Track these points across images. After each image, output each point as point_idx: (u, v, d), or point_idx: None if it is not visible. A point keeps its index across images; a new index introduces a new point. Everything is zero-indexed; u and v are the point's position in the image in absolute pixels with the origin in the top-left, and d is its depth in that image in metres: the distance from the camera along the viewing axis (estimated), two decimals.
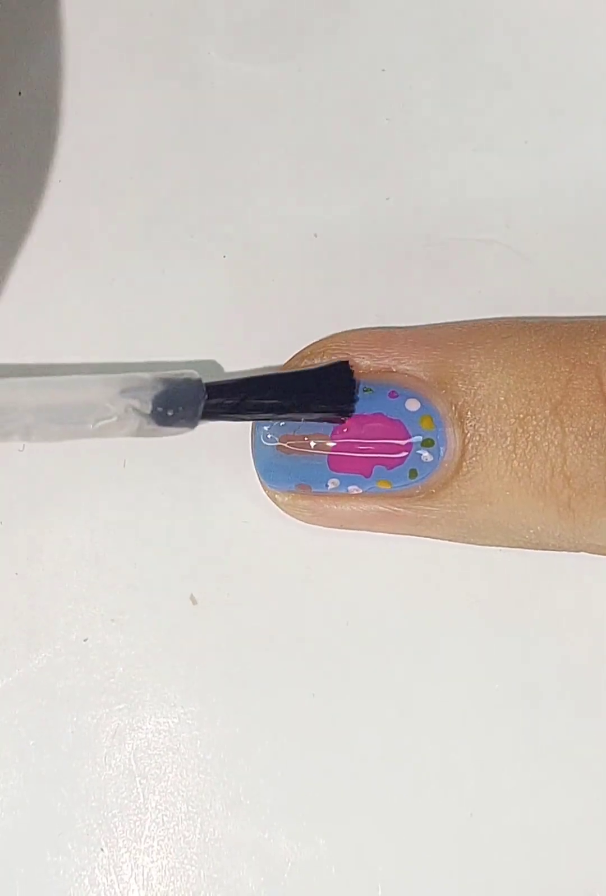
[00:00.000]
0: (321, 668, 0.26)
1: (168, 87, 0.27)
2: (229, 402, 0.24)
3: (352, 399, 0.24)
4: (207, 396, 0.23)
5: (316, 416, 0.24)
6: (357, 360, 0.25)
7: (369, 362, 0.25)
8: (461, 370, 0.24)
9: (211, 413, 0.24)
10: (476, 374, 0.24)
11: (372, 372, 0.25)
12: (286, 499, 0.25)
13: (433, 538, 0.25)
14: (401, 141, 0.27)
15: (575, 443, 0.24)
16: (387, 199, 0.27)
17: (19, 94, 0.27)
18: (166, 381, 0.23)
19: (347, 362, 0.24)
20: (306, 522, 0.25)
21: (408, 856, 0.26)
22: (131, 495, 0.26)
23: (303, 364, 0.25)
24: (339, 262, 0.27)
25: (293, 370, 0.25)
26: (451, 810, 0.26)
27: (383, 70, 0.27)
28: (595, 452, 0.24)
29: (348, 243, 0.27)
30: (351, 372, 0.24)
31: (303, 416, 0.24)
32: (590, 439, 0.24)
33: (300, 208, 0.27)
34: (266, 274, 0.27)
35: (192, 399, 0.23)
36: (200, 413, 0.23)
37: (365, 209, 0.27)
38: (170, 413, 0.23)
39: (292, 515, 0.25)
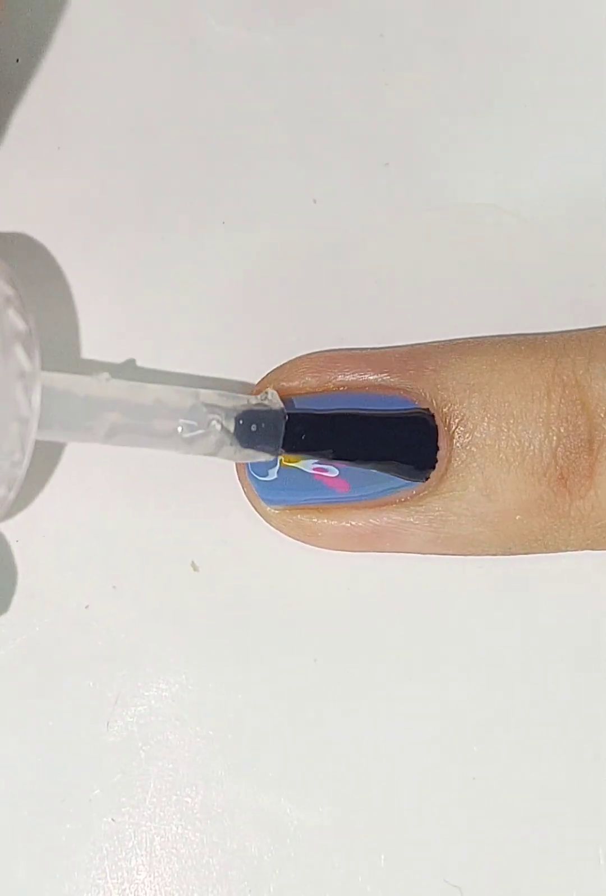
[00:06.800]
0: (323, 632, 0.26)
1: (165, 54, 0.27)
2: (310, 434, 0.24)
3: (432, 459, 0.24)
4: (287, 419, 0.24)
5: (392, 471, 0.24)
6: (341, 377, 0.25)
7: (353, 377, 0.25)
8: (449, 383, 0.25)
9: (291, 441, 0.24)
10: (462, 386, 0.24)
11: (359, 386, 0.25)
12: (275, 510, 0.25)
13: (423, 553, 0.25)
14: (399, 106, 0.27)
15: (561, 447, 0.24)
16: (386, 163, 0.27)
17: (17, 61, 0.27)
18: (248, 402, 0.24)
19: (431, 414, 0.24)
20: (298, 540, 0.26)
21: (411, 821, 0.26)
22: (131, 462, 0.26)
23: (291, 384, 0.25)
24: (338, 227, 0.27)
25: (380, 414, 0.24)
26: (454, 774, 0.26)
27: (381, 35, 0.27)
28: (584, 457, 0.24)
29: (347, 209, 0.27)
30: (434, 427, 0.24)
31: (380, 468, 0.24)
32: (576, 444, 0.24)
33: (299, 174, 0.27)
34: (265, 239, 0.27)
35: (273, 419, 0.24)
36: (281, 434, 0.24)
37: (364, 174, 0.27)
38: (253, 428, 0.23)
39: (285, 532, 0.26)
